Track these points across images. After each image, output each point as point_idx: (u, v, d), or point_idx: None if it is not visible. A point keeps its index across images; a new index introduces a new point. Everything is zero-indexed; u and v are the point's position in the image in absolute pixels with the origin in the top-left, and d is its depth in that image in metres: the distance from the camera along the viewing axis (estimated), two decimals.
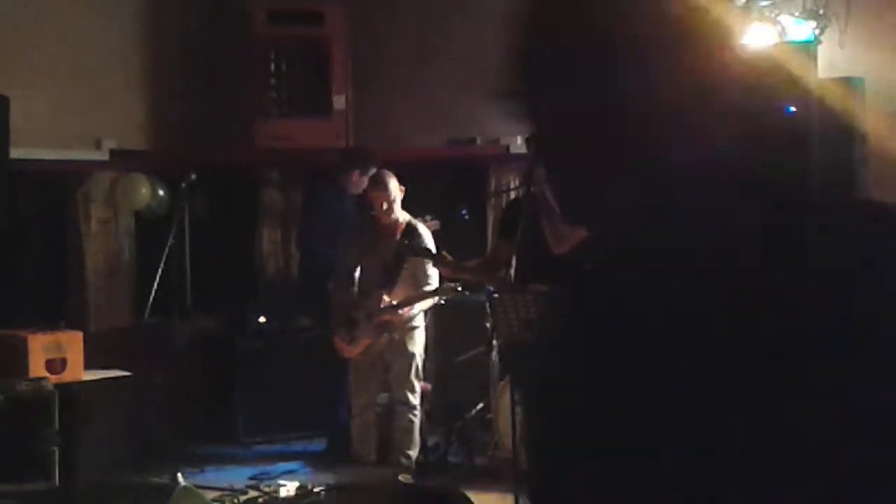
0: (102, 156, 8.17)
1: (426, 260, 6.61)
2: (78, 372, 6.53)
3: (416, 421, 6.72)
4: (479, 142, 8.53)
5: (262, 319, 8.20)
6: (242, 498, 6.46)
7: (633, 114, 1.31)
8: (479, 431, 7.61)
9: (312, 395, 7.57)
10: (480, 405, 7.51)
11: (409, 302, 6.52)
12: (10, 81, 7.09)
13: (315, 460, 7.46)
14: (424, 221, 7.63)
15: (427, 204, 8.14)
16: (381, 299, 6.54)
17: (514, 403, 5.45)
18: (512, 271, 5.90)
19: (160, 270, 6.72)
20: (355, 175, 7.38)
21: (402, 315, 6.55)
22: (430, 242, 6.74)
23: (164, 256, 6.72)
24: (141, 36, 8.50)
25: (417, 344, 6.72)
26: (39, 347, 6.39)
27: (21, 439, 5.78)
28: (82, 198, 8.13)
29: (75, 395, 6.40)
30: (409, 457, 6.67)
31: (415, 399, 6.71)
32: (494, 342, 6.75)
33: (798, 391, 1.21)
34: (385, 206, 6.66)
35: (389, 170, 7.00)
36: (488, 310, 6.56)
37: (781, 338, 1.23)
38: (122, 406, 6.76)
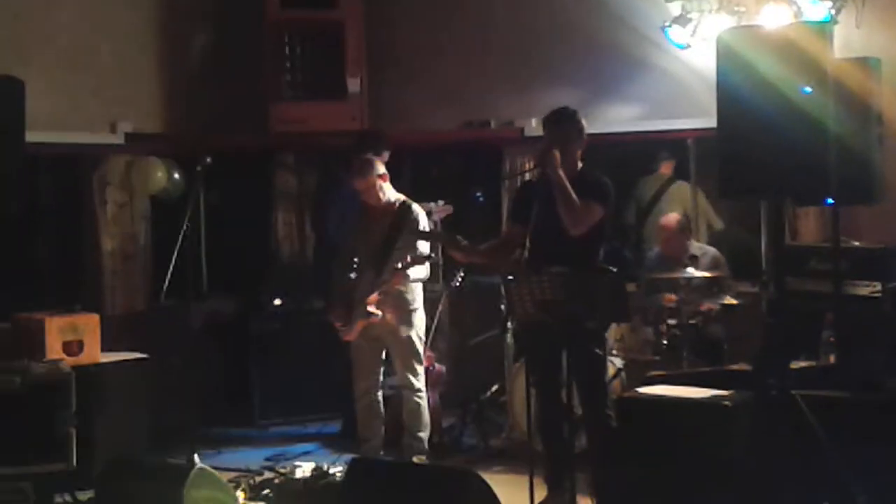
0: (118, 139, 8.18)
1: (422, 243, 6.58)
2: (94, 354, 6.56)
3: (423, 402, 6.71)
4: (493, 124, 8.53)
5: (277, 302, 8.23)
6: (258, 479, 6.47)
7: None
8: (494, 413, 7.63)
9: (327, 376, 7.60)
10: (495, 387, 7.53)
11: (389, 279, 6.48)
12: (26, 65, 7.09)
13: (331, 442, 7.49)
14: (437, 206, 7.63)
15: (441, 186, 8.16)
16: (372, 281, 6.53)
17: (528, 385, 5.44)
18: (526, 253, 5.88)
19: (176, 253, 6.71)
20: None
21: (391, 288, 6.51)
22: (424, 222, 6.70)
23: (180, 240, 6.70)
24: (157, 20, 8.50)
25: (416, 327, 6.69)
26: (56, 330, 6.42)
27: (38, 421, 5.81)
28: (98, 181, 8.15)
29: (92, 377, 6.43)
30: (420, 439, 6.68)
31: (418, 382, 6.69)
32: (509, 324, 6.77)
33: None
34: (370, 191, 6.65)
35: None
36: (503, 292, 6.57)
37: None
38: (138, 388, 6.78)
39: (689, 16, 7.47)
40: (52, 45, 7.77)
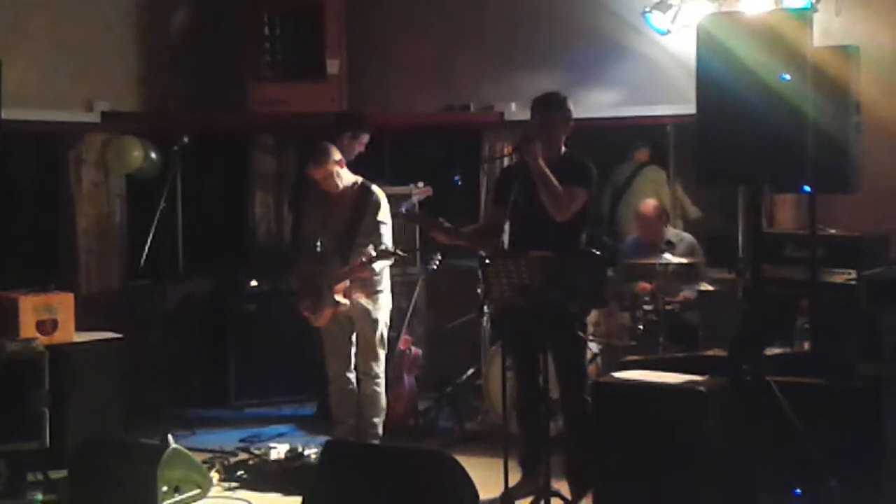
0: (94, 118, 8.12)
1: (384, 226, 6.55)
2: (69, 333, 6.52)
3: (380, 389, 6.66)
4: (473, 108, 8.52)
5: (253, 283, 8.21)
6: (233, 460, 6.48)
7: None
8: (470, 396, 7.64)
9: (303, 358, 7.58)
10: (471, 370, 7.54)
11: (357, 269, 6.46)
12: (2, 42, 7.05)
13: (305, 423, 7.49)
14: (417, 188, 7.61)
15: (421, 169, 8.14)
16: (339, 270, 6.50)
17: (504, 369, 5.44)
18: (506, 237, 5.89)
19: (151, 233, 6.68)
20: (346, 139, 7.33)
21: (358, 277, 6.49)
22: (384, 203, 6.66)
23: (156, 219, 6.68)
24: None
25: (382, 310, 6.65)
26: (30, 308, 6.38)
27: (12, 400, 5.76)
28: (74, 160, 8.09)
29: (66, 356, 6.40)
30: (374, 425, 6.64)
31: (377, 368, 6.65)
32: (486, 308, 6.77)
33: None
34: (327, 179, 6.58)
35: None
36: (480, 275, 6.57)
37: None
38: (112, 368, 6.75)
39: (669, 2, 7.48)
40: (29, 23, 7.70)
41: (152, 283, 7.57)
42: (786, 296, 5.59)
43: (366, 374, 6.64)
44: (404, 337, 7.27)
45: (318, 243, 6.68)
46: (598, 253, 5.49)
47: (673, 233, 7.46)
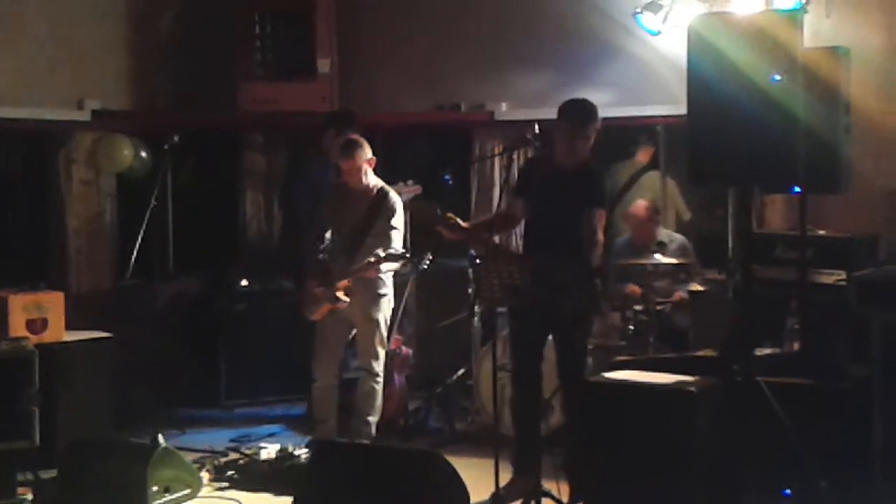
0: (84, 116, 8.11)
1: (395, 232, 6.57)
2: (59, 332, 6.50)
3: (378, 388, 6.70)
4: (463, 107, 8.51)
5: (244, 283, 8.20)
6: (223, 460, 6.47)
7: None
8: (460, 397, 7.64)
9: (293, 358, 7.56)
10: (461, 370, 7.54)
11: (364, 268, 6.48)
12: None
13: (296, 424, 7.48)
14: (406, 186, 7.61)
15: (411, 169, 8.13)
16: (344, 268, 6.52)
17: (495, 369, 5.45)
18: (521, 239, 5.96)
19: (142, 232, 6.67)
20: (330, 135, 7.35)
21: (365, 276, 6.50)
22: (400, 209, 6.69)
23: (146, 218, 6.67)
24: None
25: (382, 311, 6.69)
26: (20, 307, 6.35)
27: (1, 399, 5.76)
28: (64, 158, 8.07)
29: (56, 355, 6.38)
30: (368, 423, 6.66)
31: (378, 366, 6.69)
32: (477, 308, 6.78)
33: None
34: (353, 173, 6.61)
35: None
36: (471, 276, 6.58)
37: None
38: (102, 367, 6.73)
39: (660, 2, 7.49)
40: (20, 21, 7.69)
41: (142, 282, 7.55)
42: (776, 296, 5.60)
43: (366, 371, 6.67)
44: (395, 337, 7.26)
45: (327, 238, 6.71)
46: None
47: (664, 233, 7.47)
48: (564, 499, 5.45)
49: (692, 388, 4.93)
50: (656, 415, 4.94)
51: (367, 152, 6.66)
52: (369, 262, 6.43)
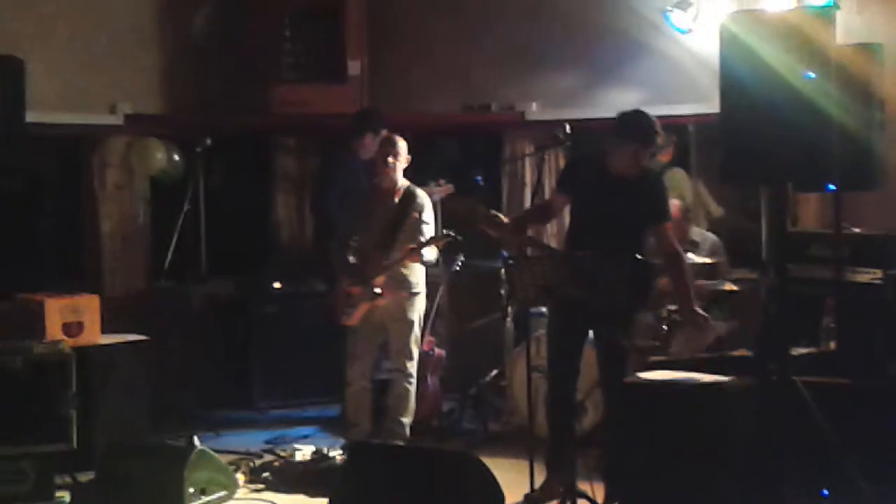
0: (117, 120, 8.17)
1: (426, 226, 6.58)
2: (94, 336, 6.55)
3: (412, 388, 6.71)
4: (494, 108, 8.51)
5: (276, 285, 8.22)
6: (258, 462, 6.50)
7: None
8: (494, 398, 7.64)
9: (327, 360, 7.58)
10: (495, 372, 7.54)
11: (399, 259, 6.49)
12: (26, 45, 7.08)
13: (330, 425, 7.50)
14: (438, 185, 7.63)
15: (441, 170, 8.15)
16: (378, 262, 6.53)
17: (529, 370, 5.45)
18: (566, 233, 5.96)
19: (175, 235, 6.73)
20: (368, 138, 7.37)
21: (396, 271, 6.52)
22: (429, 208, 6.71)
23: (180, 221, 6.73)
24: (157, 1, 8.47)
25: (416, 311, 6.70)
26: (56, 311, 6.41)
27: (39, 402, 5.81)
28: (98, 162, 8.14)
29: (92, 358, 6.42)
30: (402, 424, 6.67)
31: (411, 367, 6.70)
32: (509, 308, 6.78)
33: None
34: (391, 160, 6.62)
35: (405, 135, 6.97)
36: (503, 276, 6.58)
37: None
38: (138, 370, 6.77)
39: (690, 0, 7.46)
40: (53, 26, 7.75)
41: (176, 284, 7.60)
42: (811, 295, 5.58)
43: (400, 372, 6.68)
44: (428, 338, 7.27)
45: (355, 240, 6.72)
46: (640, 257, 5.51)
47: (697, 232, 7.44)
48: (599, 499, 5.43)
49: (728, 388, 4.92)
50: (692, 415, 4.93)
51: (404, 148, 6.70)
52: (411, 249, 6.43)
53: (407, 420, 6.70)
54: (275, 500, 5.93)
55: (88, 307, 6.57)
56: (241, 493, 5.99)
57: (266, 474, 6.25)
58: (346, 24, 8.43)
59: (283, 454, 6.52)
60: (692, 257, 6.92)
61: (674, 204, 7.55)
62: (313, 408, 7.96)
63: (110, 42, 8.12)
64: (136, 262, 8.33)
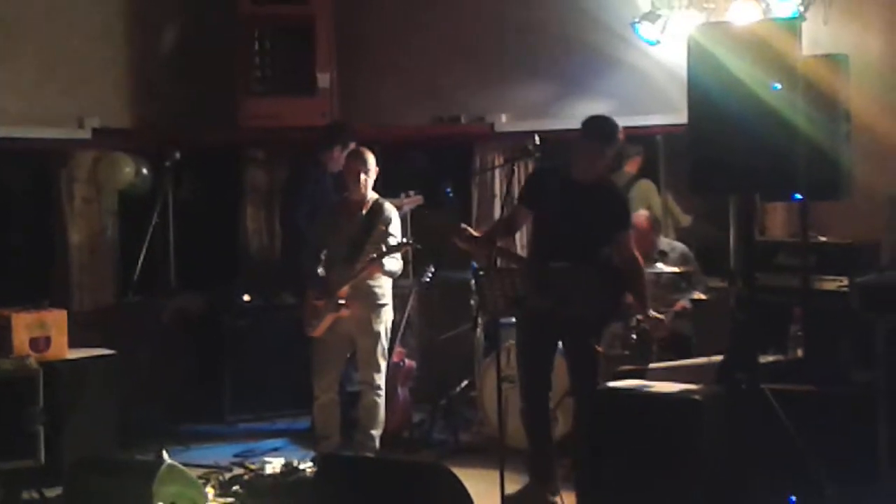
0: (85, 134, 8.13)
1: (393, 238, 6.58)
2: (62, 350, 6.50)
3: (381, 401, 6.69)
4: (463, 119, 8.53)
5: (246, 298, 8.20)
6: (228, 475, 6.46)
7: None
8: (464, 408, 7.64)
9: (297, 373, 7.54)
10: (465, 382, 7.54)
11: (362, 270, 6.49)
12: None
13: (300, 438, 7.47)
14: (407, 197, 7.63)
15: (411, 182, 8.15)
16: (345, 274, 6.53)
17: (499, 380, 5.45)
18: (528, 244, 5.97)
19: (144, 249, 6.69)
20: (337, 151, 7.37)
21: (362, 282, 6.52)
22: (396, 221, 6.71)
23: (148, 235, 6.70)
24: (125, 15, 8.44)
25: (383, 322, 6.68)
26: (23, 326, 6.35)
27: (6, 418, 5.77)
28: (65, 176, 8.09)
29: (60, 373, 6.37)
30: (372, 437, 6.65)
31: (379, 379, 6.68)
32: (480, 319, 6.78)
33: None
34: (363, 178, 6.63)
35: (375, 147, 6.97)
36: (474, 287, 6.58)
37: None
38: (106, 384, 6.72)
39: (658, 12, 7.51)
40: (20, 40, 7.72)
41: (145, 298, 7.56)
42: (779, 303, 5.62)
43: (367, 385, 6.66)
44: (398, 349, 7.27)
45: (324, 253, 6.71)
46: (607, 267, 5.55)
47: (665, 242, 7.47)
48: None
49: (697, 397, 4.94)
50: (662, 423, 4.95)
51: (373, 161, 6.70)
52: (372, 259, 6.43)
53: (377, 432, 6.68)
54: None
55: (56, 322, 6.52)
56: None
57: (236, 488, 6.21)
58: (316, 37, 8.43)
59: (252, 467, 6.49)
60: (661, 267, 6.96)
61: (642, 214, 7.60)
62: (283, 420, 7.94)
63: (78, 56, 8.09)
64: (104, 276, 8.28)
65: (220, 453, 7.13)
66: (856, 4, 7.14)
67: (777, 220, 7.30)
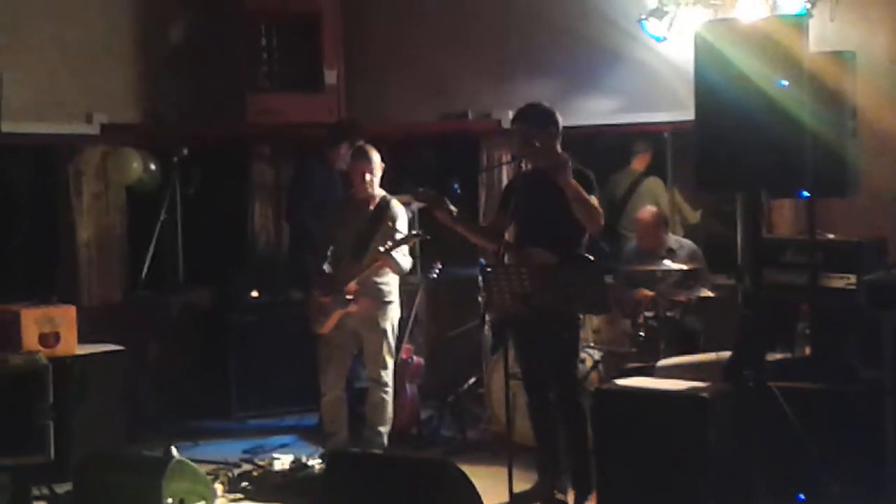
0: (94, 130, 8.14)
1: (400, 235, 6.57)
2: (71, 346, 6.53)
3: (388, 398, 6.70)
4: (470, 116, 8.53)
5: (254, 294, 8.22)
6: (236, 471, 6.48)
7: None
8: (472, 405, 7.65)
9: (304, 368, 7.55)
10: (473, 379, 7.55)
11: (370, 264, 6.50)
12: (1, 55, 7.06)
13: (309, 434, 7.49)
14: (415, 194, 7.63)
15: (418, 178, 8.16)
16: (352, 269, 6.53)
17: (507, 377, 5.46)
18: (510, 239, 5.97)
19: (152, 245, 6.70)
20: (343, 149, 7.38)
21: (369, 278, 6.53)
22: (403, 217, 6.71)
23: (156, 231, 6.71)
24: (133, 10, 8.46)
25: (390, 319, 6.68)
26: (32, 322, 6.38)
27: (15, 413, 5.77)
28: (73, 172, 8.11)
29: (69, 369, 6.41)
30: (380, 433, 6.67)
31: (386, 376, 6.69)
32: (487, 316, 6.80)
33: None
34: (368, 177, 6.63)
35: (381, 144, 6.98)
36: (481, 284, 6.59)
37: None
38: (115, 380, 6.76)
39: (665, 8, 7.50)
40: (28, 35, 7.73)
41: (153, 294, 7.58)
42: (786, 301, 5.62)
43: (375, 382, 6.67)
44: (406, 346, 7.28)
45: (330, 249, 6.72)
46: (590, 258, 5.55)
47: (673, 239, 7.48)
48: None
49: (704, 394, 4.95)
50: (668, 421, 4.96)
51: (378, 159, 6.70)
52: (381, 252, 6.43)
53: (384, 429, 6.69)
54: None
55: (65, 317, 6.55)
56: (219, 503, 5.97)
57: (245, 484, 6.24)
58: (323, 34, 8.44)
59: (261, 464, 6.51)
60: (669, 264, 6.96)
61: (647, 210, 7.61)
62: (291, 417, 7.95)
63: (86, 51, 8.10)
64: (112, 271, 8.30)
65: (229, 449, 7.15)
66: (863, 1, 7.13)
67: (784, 218, 7.30)
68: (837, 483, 4.81)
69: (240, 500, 6.08)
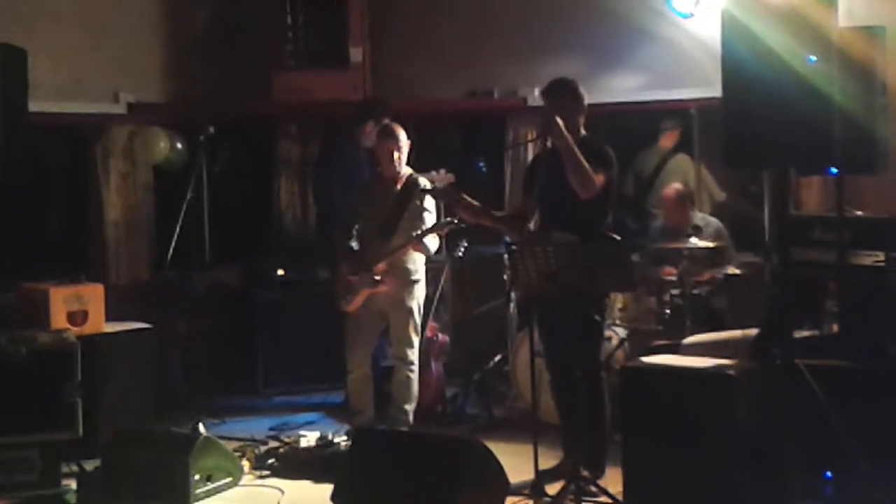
0: (121, 109, 8.18)
1: (428, 214, 6.58)
2: (99, 324, 6.57)
3: (414, 376, 6.71)
4: (496, 94, 8.51)
5: (280, 272, 8.24)
6: (263, 448, 6.51)
7: None
8: (498, 383, 7.66)
9: (331, 346, 7.58)
10: (499, 357, 7.55)
11: (401, 246, 6.50)
12: (29, 34, 7.08)
13: (335, 411, 7.52)
14: (438, 174, 7.63)
15: (444, 156, 8.16)
16: (379, 249, 6.54)
17: (532, 355, 5.45)
18: (534, 220, 5.94)
19: (179, 223, 6.73)
20: (370, 126, 7.38)
21: (397, 259, 6.53)
22: (430, 198, 6.72)
23: (183, 209, 6.74)
24: None
25: (416, 298, 6.69)
26: (61, 300, 6.42)
27: (45, 390, 5.83)
28: (101, 151, 8.16)
29: (97, 347, 6.44)
30: (405, 411, 6.68)
31: (412, 355, 6.70)
32: (513, 294, 6.79)
33: None
34: (396, 155, 6.63)
35: (407, 122, 6.97)
36: (506, 262, 6.58)
37: None
38: (143, 358, 6.80)
39: None
40: (55, 15, 7.75)
41: (180, 272, 7.61)
42: (814, 278, 5.58)
43: (401, 360, 6.69)
44: (431, 324, 7.28)
45: (356, 227, 6.73)
46: (616, 237, 5.52)
47: (699, 217, 7.44)
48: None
49: (731, 372, 4.93)
50: (695, 399, 4.94)
51: (405, 137, 6.70)
52: (415, 236, 6.44)
53: (410, 407, 6.71)
54: (280, 487, 5.94)
55: (93, 296, 6.59)
56: (246, 479, 6.01)
57: (271, 461, 6.27)
58: (349, 11, 8.43)
59: (288, 441, 6.54)
60: (695, 241, 6.93)
61: (672, 187, 7.58)
62: (318, 394, 7.98)
63: (113, 31, 8.13)
64: (140, 250, 8.35)
65: (256, 426, 7.18)
66: None
67: (812, 195, 7.25)
68: (865, 460, 4.78)
69: (266, 476, 6.11)
